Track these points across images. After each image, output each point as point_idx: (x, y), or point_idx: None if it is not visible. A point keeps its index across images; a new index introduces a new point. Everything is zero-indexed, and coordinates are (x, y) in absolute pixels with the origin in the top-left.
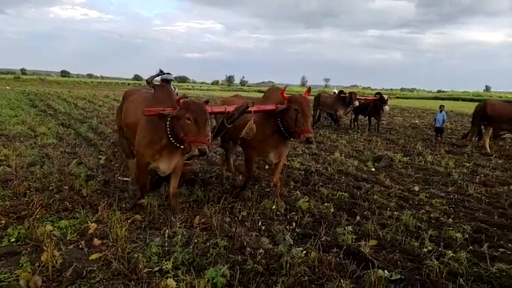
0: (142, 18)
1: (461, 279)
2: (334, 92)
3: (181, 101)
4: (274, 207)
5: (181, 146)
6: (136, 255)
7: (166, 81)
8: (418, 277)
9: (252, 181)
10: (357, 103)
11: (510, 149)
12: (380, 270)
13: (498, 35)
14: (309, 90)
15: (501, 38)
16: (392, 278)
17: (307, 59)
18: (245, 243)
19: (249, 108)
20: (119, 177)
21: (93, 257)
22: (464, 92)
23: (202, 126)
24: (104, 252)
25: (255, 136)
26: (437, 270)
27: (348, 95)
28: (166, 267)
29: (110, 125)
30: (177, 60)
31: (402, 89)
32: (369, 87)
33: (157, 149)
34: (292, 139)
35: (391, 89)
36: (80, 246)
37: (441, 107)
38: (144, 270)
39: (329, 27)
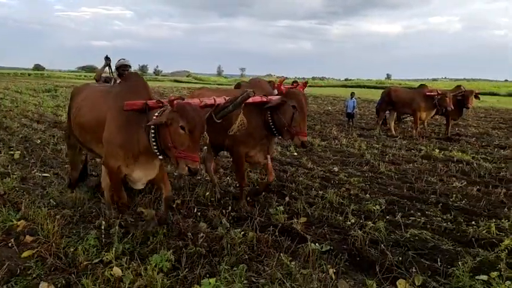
0: (41, 2)
1: (381, 245)
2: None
3: (175, 102)
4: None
5: (160, 156)
6: (72, 249)
7: (124, 68)
8: (345, 246)
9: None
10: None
11: (412, 130)
12: (312, 244)
13: (396, 26)
14: (305, 84)
15: (399, 30)
16: (323, 250)
17: (222, 48)
18: (183, 230)
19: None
20: (37, 173)
21: (25, 254)
22: (368, 79)
23: (197, 139)
24: (36, 249)
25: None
26: (361, 239)
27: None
28: (107, 258)
29: (15, 118)
30: (84, 48)
31: (313, 78)
32: (282, 75)
33: (132, 153)
34: (280, 138)
35: (304, 77)
36: (10, 244)
37: (352, 94)
38: (84, 263)
39: (243, 16)
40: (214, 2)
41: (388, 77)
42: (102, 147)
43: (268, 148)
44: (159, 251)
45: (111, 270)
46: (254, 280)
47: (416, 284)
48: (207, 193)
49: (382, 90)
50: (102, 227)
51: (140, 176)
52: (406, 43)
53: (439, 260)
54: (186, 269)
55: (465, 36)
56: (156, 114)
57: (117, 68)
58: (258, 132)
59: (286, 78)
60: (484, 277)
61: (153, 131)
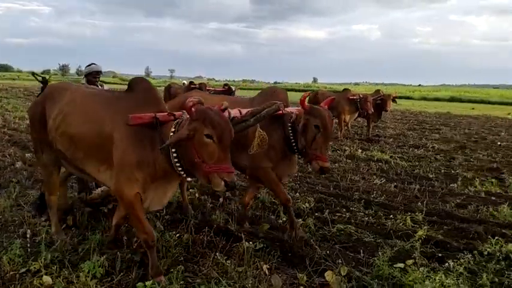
0: None
1: (311, 240)
2: (184, 83)
3: (193, 108)
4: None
5: (189, 178)
6: None
7: (96, 74)
8: (278, 243)
9: None
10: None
11: (337, 132)
12: (246, 243)
13: (322, 33)
14: (332, 100)
15: (324, 36)
16: (257, 248)
17: (149, 48)
18: (117, 235)
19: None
20: None
21: None
22: (296, 83)
23: (227, 147)
24: None
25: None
26: (292, 236)
27: (198, 85)
28: (35, 267)
29: None
30: None
31: (244, 80)
32: (213, 78)
33: (150, 176)
34: (299, 156)
35: (234, 80)
36: None
37: None
38: (11, 273)
39: (170, 17)
40: (137, 0)
41: (315, 80)
42: (100, 169)
43: (290, 166)
44: (92, 257)
45: (40, 279)
46: (190, 281)
47: (342, 274)
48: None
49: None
50: (28, 236)
51: (156, 202)
52: (331, 48)
53: (362, 251)
54: (121, 274)
55: (384, 44)
56: (173, 129)
57: (87, 74)
58: (279, 146)
59: (214, 79)
60: (401, 265)
61: (174, 149)
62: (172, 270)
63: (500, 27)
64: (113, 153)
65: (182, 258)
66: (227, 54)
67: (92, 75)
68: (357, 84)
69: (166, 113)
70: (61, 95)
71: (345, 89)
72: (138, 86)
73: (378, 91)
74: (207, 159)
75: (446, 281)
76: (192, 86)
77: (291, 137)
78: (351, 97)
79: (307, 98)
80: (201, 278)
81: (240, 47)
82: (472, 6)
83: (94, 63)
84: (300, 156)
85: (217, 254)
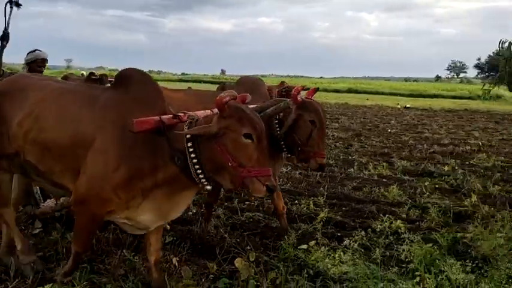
0: None
1: (221, 229)
2: (83, 74)
3: (228, 104)
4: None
5: (209, 186)
6: None
7: (42, 62)
8: (189, 236)
9: None
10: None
11: None
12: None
13: (228, 24)
14: (315, 89)
15: (231, 27)
16: (166, 241)
17: (42, 36)
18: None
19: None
20: None
21: None
22: (204, 74)
23: (266, 149)
24: None
25: None
26: (202, 227)
27: (98, 77)
28: None
29: None
30: None
31: (150, 71)
32: (116, 68)
33: (142, 189)
34: (289, 156)
35: None
36: None
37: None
38: None
39: (64, 2)
40: None
41: (223, 72)
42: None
43: (277, 166)
44: None
45: None
46: (95, 281)
47: (251, 259)
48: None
49: (217, 85)
50: None
51: (151, 219)
52: (238, 40)
53: (269, 236)
54: (17, 279)
55: (288, 37)
56: (187, 129)
57: (31, 62)
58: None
59: (117, 70)
60: (305, 246)
61: (193, 154)
62: (75, 271)
63: (389, 24)
64: (86, 164)
65: (86, 258)
66: (131, 44)
67: (37, 64)
68: (264, 76)
69: (171, 115)
70: (25, 93)
71: None
72: (132, 80)
73: (282, 83)
74: (245, 163)
75: (344, 257)
76: (93, 77)
77: (278, 135)
78: None
79: (302, 92)
80: (107, 277)
81: (145, 36)
82: (365, 3)
83: (38, 50)
84: (289, 155)
85: (124, 250)
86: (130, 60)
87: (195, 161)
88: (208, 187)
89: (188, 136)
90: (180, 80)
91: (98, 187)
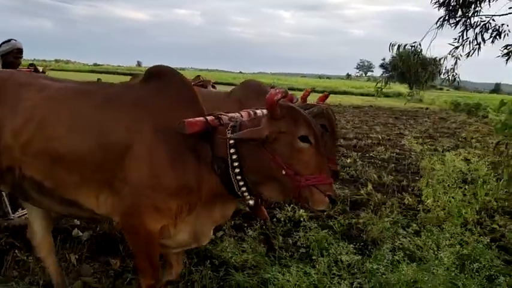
0: None
1: None
2: None
3: (278, 103)
4: None
5: (251, 201)
6: None
7: (18, 53)
8: (93, 233)
9: None
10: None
11: None
12: (75, 231)
13: (144, 14)
14: (326, 96)
15: (147, 18)
16: (85, 238)
17: None
18: None
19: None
20: None
21: None
22: (119, 66)
23: (323, 153)
24: None
25: None
26: (108, 224)
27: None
28: None
29: None
30: None
31: (57, 60)
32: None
33: (190, 203)
34: None
35: (45, 59)
36: None
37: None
38: None
39: None
40: None
41: (139, 64)
42: (100, 198)
43: None
44: None
45: None
46: None
47: None
48: None
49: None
50: None
51: (185, 240)
52: (155, 32)
53: None
54: None
55: (207, 30)
56: (231, 133)
57: (6, 53)
58: None
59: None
60: (212, 237)
61: (236, 163)
62: None
63: (305, 22)
64: (129, 173)
65: None
66: (36, 31)
67: (13, 55)
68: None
69: (213, 117)
70: (18, 94)
71: None
72: (165, 78)
73: (198, 77)
74: (303, 170)
75: (246, 246)
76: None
77: None
78: None
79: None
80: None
81: (52, 23)
82: (282, 1)
83: (14, 39)
84: None
85: (16, 251)
86: (34, 47)
87: (237, 170)
88: (251, 202)
89: (231, 141)
90: (92, 71)
91: (147, 197)
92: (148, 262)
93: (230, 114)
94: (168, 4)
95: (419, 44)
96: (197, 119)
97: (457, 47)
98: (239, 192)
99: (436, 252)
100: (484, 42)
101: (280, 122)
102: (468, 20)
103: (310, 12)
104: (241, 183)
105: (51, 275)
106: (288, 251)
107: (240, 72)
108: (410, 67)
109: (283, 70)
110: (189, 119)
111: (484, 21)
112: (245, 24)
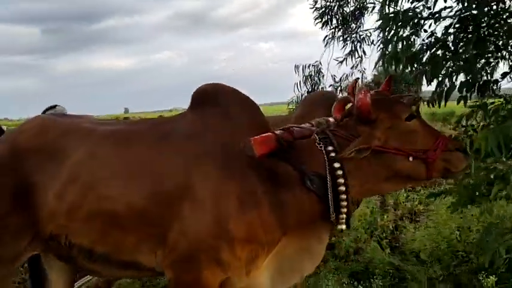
0: None
1: None
2: None
3: (369, 99)
4: None
5: (343, 223)
6: None
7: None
8: None
9: None
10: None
11: None
12: None
13: (129, 61)
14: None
15: (131, 64)
16: None
17: None
18: None
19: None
20: None
21: None
22: (107, 115)
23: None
24: None
25: None
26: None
27: None
28: None
29: None
30: None
31: None
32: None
33: (267, 243)
34: None
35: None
36: None
37: None
38: None
39: None
40: None
41: (126, 111)
42: (158, 253)
43: None
44: None
45: None
46: None
47: None
48: None
49: None
50: None
51: (268, 284)
52: (140, 77)
53: None
54: None
55: (190, 70)
56: (322, 146)
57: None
58: None
59: (7, 119)
60: None
61: (341, 179)
62: None
63: (287, 51)
64: (187, 221)
65: None
66: (20, 90)
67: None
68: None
69: (285, 131)
70: (61, 146)
71: (160, 116)
72: (220, 97)
73: None
74: (426, 144)
75: None
76: None
77: None
78: None
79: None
80: None
81: (35, 80)
82: (262, 33)
83: (58, 105)
84: None
85: None
86: (20, 107)
87: (342, 188)
88: (343, 226)
89: (333, 154)
90: None
91: (208, 248)
92: None
93: (301, 127)
94: (153, 48)
95: (320, 63)
96: (264, 135)
97: (341, 61)
98: (333, 215)
99: None
100: (365, 54)
101: (381, 121)
102: (349, 37)
103: (288, 41)
104: (343, 203)
105: None
106: None
107: None
108: (315, 87)
109: (270, 100)
110: (255, 137)
111: (362, 35)
112: (228, 58)
